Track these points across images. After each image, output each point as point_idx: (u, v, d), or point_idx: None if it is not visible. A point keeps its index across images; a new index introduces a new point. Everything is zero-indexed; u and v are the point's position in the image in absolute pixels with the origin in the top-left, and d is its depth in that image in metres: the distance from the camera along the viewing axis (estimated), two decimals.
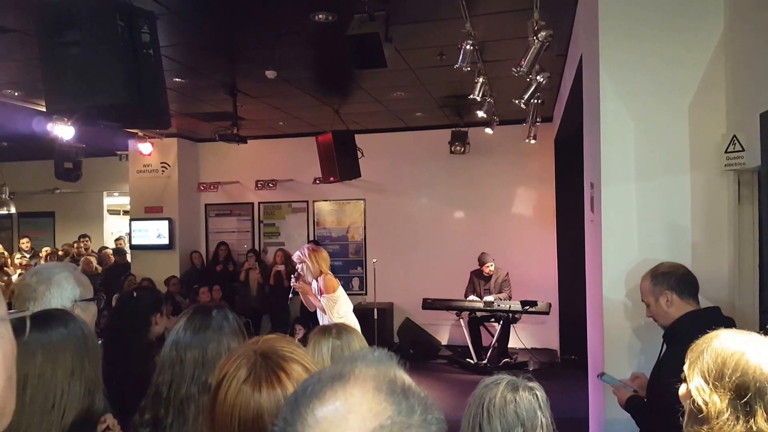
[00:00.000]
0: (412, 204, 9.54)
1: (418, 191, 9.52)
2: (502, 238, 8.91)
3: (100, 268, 10.04)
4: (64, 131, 7.55)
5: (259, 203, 10.33)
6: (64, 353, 1.52)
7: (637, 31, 3.17)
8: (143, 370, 1.91)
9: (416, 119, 8.84)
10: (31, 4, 3.73)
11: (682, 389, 1.54)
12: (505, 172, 9.13)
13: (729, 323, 2.54)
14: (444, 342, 9.17)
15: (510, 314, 7.84)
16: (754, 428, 1.33)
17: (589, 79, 3.86)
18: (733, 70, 2.96)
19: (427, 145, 9.36)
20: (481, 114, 6.17)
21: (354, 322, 4.77)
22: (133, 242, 10.17)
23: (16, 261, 9.89)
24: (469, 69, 4.34)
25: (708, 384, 1.42)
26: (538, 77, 4.16)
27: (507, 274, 8.19)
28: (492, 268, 8.10)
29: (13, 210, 11.58)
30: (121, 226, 12.34)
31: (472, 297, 8.16)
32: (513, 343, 8.19)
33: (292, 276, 5.36)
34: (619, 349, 3.22)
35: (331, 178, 7.99)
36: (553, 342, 8.70)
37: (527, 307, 7.74)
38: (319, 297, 4.98)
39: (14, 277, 9.03)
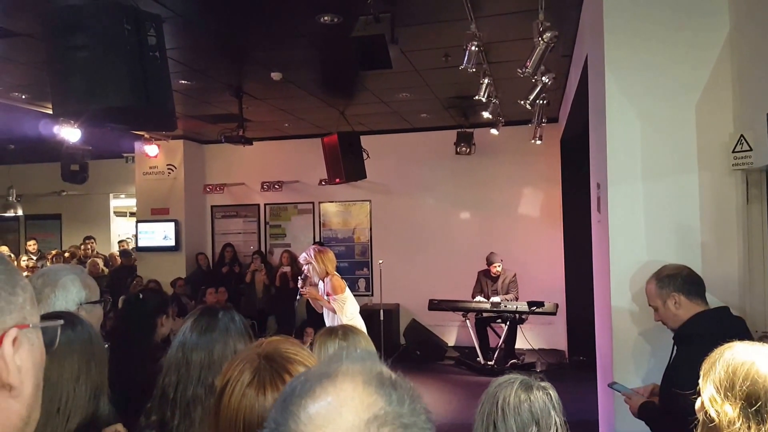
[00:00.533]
0: (417, 205, 9.53)
1: (424, 192, 9.51)
2: (509, 239, 8.89)
3: (106, 270, 10.08)
4: (70, 134, 7.57)
5: (264, 205, 10.35)
6: (70, 357, 1.52)
7: (643, 31, 3.15)
8: (149, 372, 1.91)
9: (422, 120, 8.83)
10: (39, 8, 3.75)
11: (697, 403, 1.56)
12: (511, 172, 9.11)
13: (739, 323, 2.54)
14: (451, 343, 9.15)
15: (517, 315, 7.81)
16: None
17: (594, 80, 3.85)
18: (739, 69, 2.95)
19: (433, 146, 9.36)
20: (486, 115, 6.15)
21: (360, 324, 4.78)
22: (140, 244, 10.20)
23: (23, 263, 9.93)
24: (474, 70, 4.33)
25: (720, 394, 1.45)
26: (543, 78, 4.14)
27: (515, 274, 8.16)
28: (499, 269, 8.06)
29: (20, 212, 11.62)
30: (127, 227, 12.37)
31: (479, 298, 8.12)
32: (520, 343, 8.15)
33: (299, 278, 5.36)
34: (629, 352, 3.19)
35: (337, 180, 8.00)
36: (560, 343, 8.67)
37: (534, 308, 7.70)
38: (326, 298, 4.99)
39: None
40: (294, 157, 10.03)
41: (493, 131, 7.69)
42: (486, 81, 5.08)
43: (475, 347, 8.02)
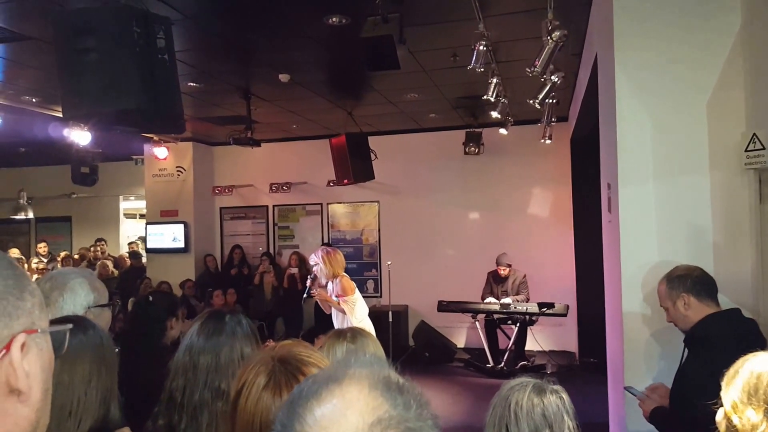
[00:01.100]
0: (426, 205, 9.49)
1: (433, 193, 9.48)
2: (519, 239, 8.83)
3: (116, 272, 10.13)
4: (80, 136, 7.64)
5: (273, 206, 10.37)
6: (82, 361, 1.52)
7: (652, 30, 3.13)
8: (158, 374, 1.90)
9: (430, 120, 8.81)
10: (49, 11, 3.77)
11: (718, 414, 1.55)
12: (521, 172, 9.05)
13: (751, 324, 2.51)
14: (460, 345, 9.10)
15: (527, 316, 7.76)
16: None
17: (604, 79, 3.83)
18: (751, 67, 2.91)
19: (441, 147, 9.33)
20: (495, 114, 6.12)
21: (369, 326, 4.77)
22: (149, 246, 10.24)
23: (33, 265, 10.00)
24: (482, 70, 4.32)
25: (743, 400, 1.44)
26: (552, 77, 4.12)
27: (525, 275, 8.10)
28: (504, 272, 8.03)
29: (30, 215, 11.69)
30: (137, 229, 12.43)
31: (489, 299, 8.07)
32: (530, 345, 8.11)
33: (308, 277, 5.36)
34: (640, 353, 3.17)
35: (345, 181, 8.00)
36: (571, 344, 8.61)
37: (544, 309, 7.64)
38: (335, 299, 4.99)
39: None
40: (302, 158, 10.04)
41: (502, 131, 7.64)
42: (494, 80, 5.06)
43: (484, 349, 7.96)
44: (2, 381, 0.73)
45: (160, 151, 9.79)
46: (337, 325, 5.13)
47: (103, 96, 3.09)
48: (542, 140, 7.44)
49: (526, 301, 7.92)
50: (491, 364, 7.76)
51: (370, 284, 9.71)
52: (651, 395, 2.72)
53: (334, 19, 4.68)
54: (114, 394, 1.59)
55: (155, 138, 9.54)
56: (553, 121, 6.68)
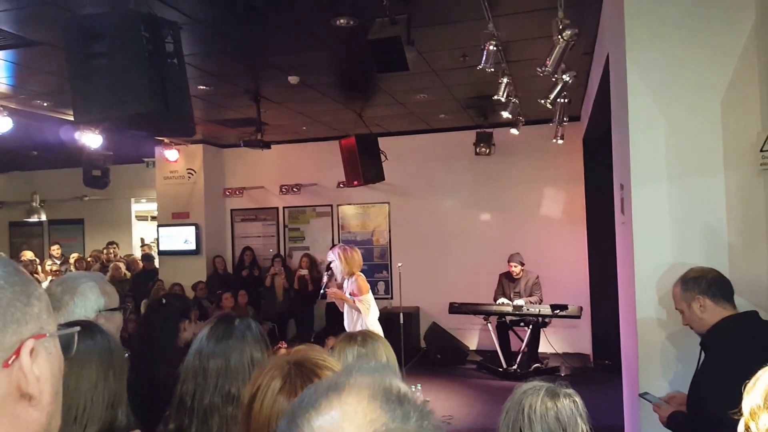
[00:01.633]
0: (437, 207, 9.46)
1: (443, 194, 9.44)
2: (531, 240, 8.74)
3: (128, 274, 10.18)
4: (92, 140, 7.69)
5: (283, 208, 10.37)
6: (88, 365, 1.52)
7: (664, 28, 3.08)
8: (171, 377, 1.91)
9: (440, 121, 8.78)
10: (59, 17, 3.79)
11: (740, 426, 1.52)
12: (533, 172, 8.97)
13: None
14: (472, 347, 9.05)
15: (540, 318, 7.69)
16: None
17: (616, 78, 3.78)
18: (766, 65, 2.86)
19: (452, 147, 9.28)
20: (506, 114, 6.08)
21: (378, 330, 4.76)
22: (161, 248, 10.29)
23: (47, 267, 10.08)
24: (492, 70, 4.29)
25: (760, 405, 1.41)
26: (564, 76, 4.09)
27: (537, 277, 8.02)
28: (517, 270, 7.96)
29: (43, 217, 11.79)
30: (148, 231, 12.49)
31: (501, 300, 8.00)
32: (543, 347, 8.02)
33: (325, 274, 5.37)
34: (655, 356, 3.13)
35: (355, 182, 7.98)
36: (585, 346, 8.51)
37: (557, 311, 7.55)
38: (350, 297, 5.00)
39: (44, 284, 9.18)
40: (312, 159, 10.04)
41: (513, 131, 7.59)
42: (505, 80, 5.03)
43: (497, 351, 7.89)
44: (13, 386, 0.74)
45: (171, 154, 9.83)
46: (348, 325, 5.14)
47: (113, 100, 3.11)
48: (554, 140, 7.36)
49: (539, 303, 7.84)
50: (504, 366, 7.69)
51: (381, 286, 9.69)
52: (670, 403, 2.69)
53: (342, 21, 4.67)
54: (122, 399, 1.59)
55: (166, 140, 9.59)
56: (565, 121, 6.61)
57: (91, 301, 2.14)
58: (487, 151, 8.51)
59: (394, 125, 8.95)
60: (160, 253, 10.34)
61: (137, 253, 11.70)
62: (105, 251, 11.17)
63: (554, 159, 8.73)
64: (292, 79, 6.25)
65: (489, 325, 8.07)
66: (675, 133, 3.06)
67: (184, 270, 9.82)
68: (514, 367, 7.60)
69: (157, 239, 10.43)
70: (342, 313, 5.33)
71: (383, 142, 8.37)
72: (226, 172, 10.61)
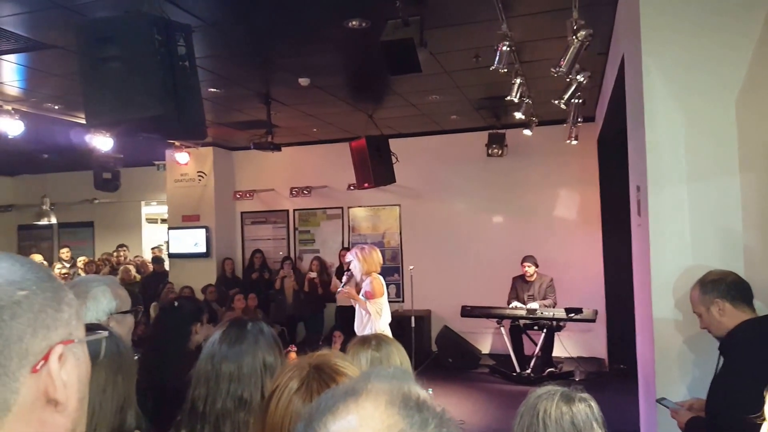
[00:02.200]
0: (448, 209, 9.40)
1: (455, 196, 9.38)
2: (544, 243, 8.64)
3: (138, 277, 10.21)
4: (102, 143, 7.72)
5: (293, 210, 10.37)
6: (97, 369, 1.49)
7: (680, 28, 3.06)
8: (183, 380, 1.90)
9: (452, 122, 8.73)
10: (71, 21, 3.81)
11: (763, 428, 1.49)
12: (546, 174, 8.89)
13: None
14: (485, 351, 8.97)
15: (554, 322, 7.61)
16: None
17: (631, 79, 3.75)
18: None
19: (464, 149, 9.22)
20: (519, 115, 6.04)
21: (388, 334, 4.73)
22: (171, 251, 10.32)
23: (56, 271, 10.11)
24: (506, 70, 4.26)
25: None
26: (578, 77, 4.05)
27: (551, 279, 7.94)
28: (531, 271, 7.89)
29: (53, 220, 11.87)
30: (159, 234, 12.53)
31: (515, 303, 7.93)
32: (557, 351, 7.94)
33: (345, 273, 5.39)
34: (672, 361, 3.09)
35: (366, 184, 7.96)
36: (600, 350, 8.42)
37: (572, 315, 7.45)
38: (363, 298, 4.99)
39: None
40: (322, 162, 10.03)
41: (527, 132, 7.54)
42: (518, 81, 5.00)
43: (510, 355, 7.80)
44: (41, 391, 0.76)
45: (182, 157, 9.87)
46: (357, 327, 5.12)
47: (125, 104, 3.11)
48: (568, 141, 7.29)
49: (553, 306, 7.75)
50: (517, 370, 7.62)
51: (392, 289, 9.63)
52: (689, 408, 2.65)
53: (354, 23, 4.65)
54: (131, 402, 1.58)
55: (176, 143, 9.62)
56: (579, 122, 6.55)
57: (102, 304, 2.16)
58: (500, 152, 8.44)
59: (405, 127, 8.92)
60: (171, 255, 10.36)
61: (147, 257, 11.73)
62: (115, 254, 11.22)
63: (568, 160, 8.64)
64: (303, 81, 6.25)
65: (502, 328, 8.00)
66: (691, 134, 3.04)
67: (193, 273, 9.85)
68: (528, 371, 7.52)
69: (168, 242, 10.46)
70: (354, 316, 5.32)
71: (394, 144, 8.35)
72: (237, 174, 10.62)
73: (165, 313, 3.34)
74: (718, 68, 2.98)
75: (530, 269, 7.88)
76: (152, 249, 11.68)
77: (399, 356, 2.20)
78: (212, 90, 6.50)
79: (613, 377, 7.43)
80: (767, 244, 2.89)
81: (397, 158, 8.29)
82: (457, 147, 9.31)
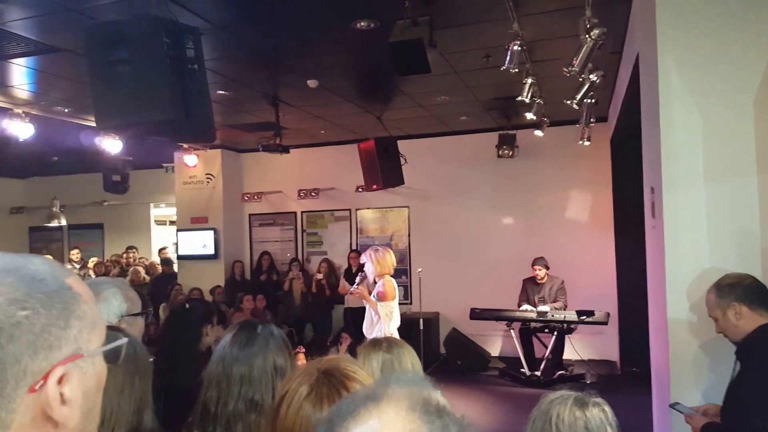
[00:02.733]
0: (458, 211, 9.33)
1: (465, 197, 9.30)
2: (556, 245, 8.55)
3: (148, 278, 10.25)
4: (111, 145, 7.74)
5: (301, 212, 10.36)
6: (115, 371, 1.52)
7: (696, 26, 3.01)
8: (194, 382, 1.94)
9: (461, 123, 8.67)
10: (80, 24, 3.81)
11: None
12: (558, 175, 8.80)
13: None
14: (494, 353, 8.89)
15: (565, 325, 7.53)
16: None
17: (646, 79, 3.70)
18: None
19: (473, 150, 9.15)
20: (530, 116, 5.99)
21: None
22: (180, 252, 10.34)
23: None
24: (517, 70, 4.22)
25: None
26: (591, 76, 4.00)
27: (562, 282, 7.86)
28: (542, 274, 7.82)
29: (63, 222, 11.94)
30: (167, 236, 12.57)
31: (525, 306, 7.87)
32: (569, 354, 7.86)
33: (359, 274, 5.38)
34: (687, 365, 3.05)
35: (374, 186, 7.91)
36: (612, 353, 8.32)
37: (583, 317, 7.37)
38: (375, 300, 4.97)
39: None
40: (330, 164, 10.00)
41: (538, 132, 7.47)
42: (529, 81, 4.96)
43: (520, 358, 7.73)
44: (39, 410, 0.75)
45: (190, 159, 9.89)
46: (366, 328, 5.10)
47: (135, 107, 3.12)
48: (580, 141, 7.22)
49: (564, 309, 7.68)
50: (527, 373, 7.54)
51: (400, 291, 9.54)
52: (704, 414, 2.62)
53: (362, 24, 4.63)
54: (147, 403, 1.61)
55: (185, 146, 9.65)
56: (592, 122, 6.47)
57: (113, 306, 2.20)
58: (510, 153, 8.36)
59: (414, 128, 8.88)
60: (179, 257, 10.39)
61: (155, 260, 11.77)
62: (124, 255, 11.26)
63: (580, 161, 8.56)
64: (311, 83, 6.24)
65: (512, 331, 7.93)
66: (708, 134, 2.99)
67: (202, 274, 9.87)
68: (538, 374, 7.45)
69: (176, 244, 10.49)
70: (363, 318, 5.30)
71: (403, 145, 8.31)
72: (245, 176, 10.63)
73: (176, 315, 3.38)
74: (735, 67, 2.93)
75: (540, 272, 7.81)
76: (160, 250, 11.73)
77: (410, 358, 2.22)
78: (221, 92, 6.50)
79: (626, 380, 7.35)
80: None
81: (405, 160, 8.25)
82: (466, 148, 9.24)
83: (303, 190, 10.18)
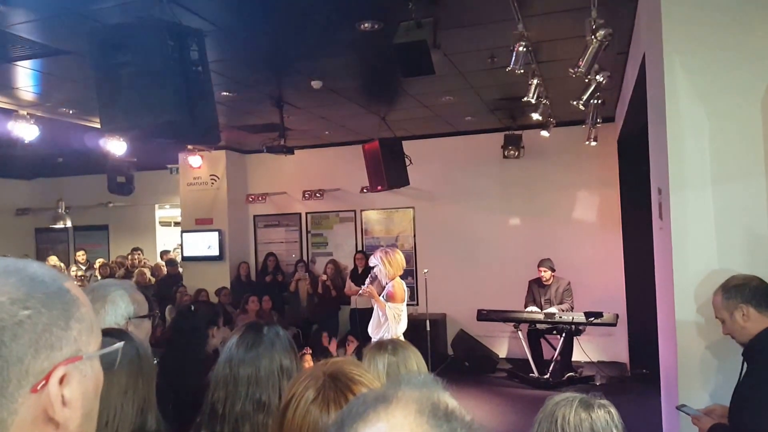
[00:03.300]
0: (463, 211, 9.31)
1: (470, 198, 9.28)
2: (563, 246, 8.53)
3: (153, 280, 10.26)
4: (116, 147, 7.76)
5: (306, 213, 10.36)
6: (118, 373, 1.54)
7: (703, 27, 2.99)
8: (201, 383, 1.96)
9: (466, 123, 8.65)
10: (85, 27, 3.81)
11: None
12: (564, 176, 8.77)
13: None
14: (502, 355, 8.89)
15: (573, 326, 7.50)
16: None
17: (653, 79, 3.68)
18: None
19: (479, 150, 9.15)
20: (536, 116, 5.96)
21: None
22: (185, 254, 10.36)
23: (72, 273, 10.20)
24: (522, 71, 4.20)
25: None
26: (597, 77, 3.98)
27: (569, 283, 7.82)
28: (547, 275, 7.79)
29: (69, 223, 11.97)
30: (172, 237, 12.61)
31: (531, 308, 7.84)
32: (577, 356, 7.82)
33: (369, 276, 5.38)
34: (695, 367, 3.03)
35: (379, 187, 7.90)
36: (621, 355, 8.28)
37: (592, 319, 7.33)
38: (384, 301, 4.97)
39: None
40: (335, 164, 10.00)
41: (544, 133, 7.45)
42: (535, 81, 4.94)
43: (527, 359, 7.70)
44: (41, 410, 0.75)
45: (195, 160, 9.90)
46: (371, 329, 5.09)
47: (139, 109, 3.12)
48: (587, 142, 7.19)
49: (571, 310, 7.64)
50: (535, 374, 7.51)
51: (406, 292, 9.57)
52: (710, 415, 2.61)
53: (366, 25, 4.61)
54: (151, 405, 1.62)
55: (189, 147, 9.66)
56: (599, 122, 6.44)
57: (121, 309, 2.20)
58: (516, 153, 8.34)
59: (418, 128, 8.87)
60: (184, 258, 10.41)
61: (159, 262, 11.81)
62: (130, 257, 11.29)
63: (587, 162, 8.53)
64: (316, 84, 6.23)
65: (519, 332, 7.91)
66: (714, 135, 2.97)
67: (207, 276, 9.87)
68: (546, 375, 7.42)
69: (181, 245, 10.50)
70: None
71: (408, 146, 8.30)
72: (249, 177, 10.64)
73: (182, 317, 3.40)
74: (743, 66, 2.91)
75: (546, 273, 7.79)
76: (162, 253, 11.76)
77: (416, 361, 2.22)
78: (225, 93, 6.50)
79: (635, 382, 7.32)
80: None
81: (410, 160, 8.23)
82: (472, 149, 9.23)
83: (308, 191, 10.19)
